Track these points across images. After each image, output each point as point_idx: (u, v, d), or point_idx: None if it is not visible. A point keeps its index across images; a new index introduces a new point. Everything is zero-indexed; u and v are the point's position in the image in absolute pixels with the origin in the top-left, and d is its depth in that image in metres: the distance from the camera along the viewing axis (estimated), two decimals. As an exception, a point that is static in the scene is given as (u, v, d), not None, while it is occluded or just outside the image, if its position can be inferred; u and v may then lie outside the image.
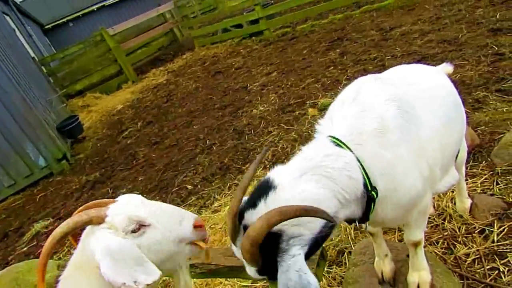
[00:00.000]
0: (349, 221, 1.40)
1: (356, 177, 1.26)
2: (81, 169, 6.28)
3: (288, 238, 1.15)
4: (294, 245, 1.14)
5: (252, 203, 1.21)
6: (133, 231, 1.18)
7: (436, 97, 1.57)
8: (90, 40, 11.34)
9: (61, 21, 20.53)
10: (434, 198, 2.61)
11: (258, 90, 6.16)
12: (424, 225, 1.61)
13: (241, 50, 9.03)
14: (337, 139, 1.32)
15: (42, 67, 10.17)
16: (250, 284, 2.46)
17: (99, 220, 1.18)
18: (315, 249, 1.25)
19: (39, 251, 4.22)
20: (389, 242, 2.13)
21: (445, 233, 2.36)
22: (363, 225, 1.42)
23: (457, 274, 2.05)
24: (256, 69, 7.24)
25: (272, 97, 5.61)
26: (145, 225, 1.20)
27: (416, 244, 1.64)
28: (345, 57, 5.92)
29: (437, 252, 2.27)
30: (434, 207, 2.54)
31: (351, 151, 1.28)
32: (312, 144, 1.39)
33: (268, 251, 1.14)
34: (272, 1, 10.21)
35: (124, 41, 11.43)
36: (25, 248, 4.42)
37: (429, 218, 2.49)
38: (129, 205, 1.24)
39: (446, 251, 2.28)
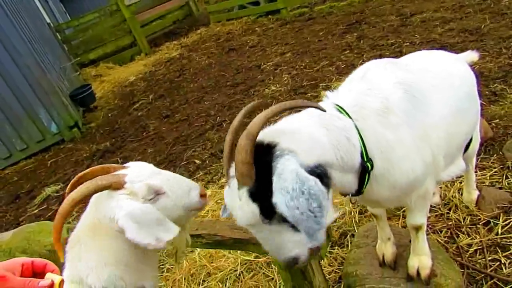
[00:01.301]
0: (344, 194, 1.43)
1: (355, 142, 1.28)
2: (91, 137, 6.37)
3: (283, 150, 1.13)
4: (290, 156, 1.12)
5: None
6: (150, 198, 1.24)
7: (449, 86, 1.55)
8: (106, 9, 11.25)
9: (77, -12, 20.32)
10: (441, 187, 2.62)
11: (271, 70, 6.11)
12: (426, 210, 1.62)
13: (257, 28, 8.91)
14: (340, 106, 1.35)
15: (57, 34, 10.16)
16: (253, 259, 2.52)
17: (118, 186, 1.21)
18: None
19: (49, 214, 4.35)
20: (393, 227, 2.16)
21: (450, 223, 2.38)
22: (354, 199, 1.43)
23: (458, 263, 2.08)
24: (271, 48, 7.16)
25: (285, 78, 5.57)
26: (160, 193, 1.26)
27: (417, 228, 1.66)
28: (362, 41, 5.81)
29: (440, 240, 2.29)
30: (440, 196, 2.55)
31: (351, 119, 1.31)
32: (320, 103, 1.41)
33: (262, 162, 1.11)
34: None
35: (140, 12, 11.33)
36: (36, 211, 4.56)
37: (435, 207, 2.51)
38: (144, 173, 1.27)
39: (449, 240, 2.30)
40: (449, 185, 2.65)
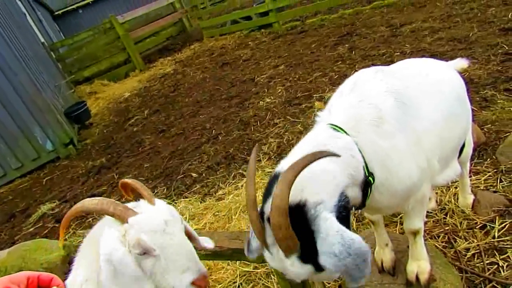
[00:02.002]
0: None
1: (358, 157, 1.30)
2: (87, 154, 6.35)
3: (314, 205, 1.13)
4: (323, 211, 1.12)
5: (266, 196, 1.22)
6: (139, 254, 1.15)
7: (439, 92, 1.59)
8: (100, 27, 11.38)
9: (71, 7, 20.54)
10: (437, 193, 2.64)
11: (265, 82, 6.17)
12: (423, 214, 1.64)
13: (250, 42, 9.03)
14: (335, 125, 1.36)
15: (51, 53, 10.23)
16: (251, 270, 2.50)
17: (120, 220, 1.17)
18: (340, 222, 1.22)
19: (45, 231, 4.30)
20: (391, 233, 2.16)
21: (447, 228, 2.39)
22: (356, 211, 1.45)
23: (456, 267, 2.08)
24: (264, 62, 7.24)
25: (279, 90, 5.62)
26: (150, 254, 1.16)
27: (415, 233, 1.67)
28: (353, 52, 5.91)
29: (438, 245, 2.29)
30: (436, 201, 2.56)
31: (349, 136, 1.33)
32: (312, 131, 1.43)
33: (299, 225, 1.10)
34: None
35: (133, 30, 11.45)
36: (31, 229, 4.50)
37: (431, 212, 2.52)
38: (153, 223, 1.17)
39: (446, 245, 2.30)
40: (444, 190, 2.67)
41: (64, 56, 10.93)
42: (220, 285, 2.46)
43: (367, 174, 1.31)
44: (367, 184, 1.32)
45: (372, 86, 1.46)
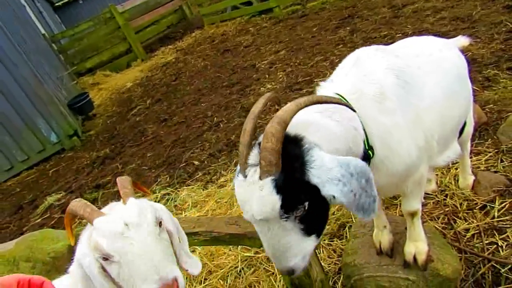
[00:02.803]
0: None
1: (360, 131, 1.29)
2: (91, 145, 6.40)
3: (311, 142, 1.12)
4: (316, 147, 1.10)
5: None
6: (102, 258, 1.14)
7: (439, 69, 1.57)
8: (100, 17, 11.29)
9: (71, -2, 20.39)
10: (437, 175, 2.63)
11: (266, 68, 6.13)
12: (421, 195, 1.63)
13: (250, 28, 8.93)
14: (340, 95, 1.34)
15: (53, 44, 10.21)
16: (253, 255, 2.53)
17: (90, 222, 1.17)
18: None
19: (52, 222, 4.38)
20: (389, 215, 2.17)
21: (446, 209, 2.39)
22: None
23: (455, 248, 2.09)
24: (265, 47, 7.18)
25: (280, 75, 5.58)
26: (110, 259, 1.13)
27: (412, 214, 1.68)
28: (355, 35, 5.82)
29: (437, 227, 2.30)
30: (437, 183, 2.56)
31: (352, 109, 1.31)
32: (318, 94, 1.42)
33: (289, 154, 1.08)
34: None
35: (133, 19, 11.36)
36: (39, 220, 4.58)
37: (431, 194, 2.52)
38: (111, 226, 1.13)
39: (446, 226, 2.31)
40: (445, 172, 2.66)
41: (65, 48, 10.90)
42: (222, 270, 2.50)
43: (366, 148, 1.30)
44: (365, 158, 1.31)
45: (373, 63, 1.44)
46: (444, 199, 2.47)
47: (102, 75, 10.51)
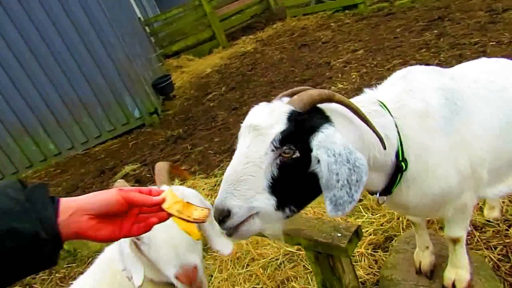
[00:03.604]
0: (371, 192, 1.44)
1: (392, 141, 1.28)
2: (168, 124, 6.95)
3: (331, 123, 1.13)
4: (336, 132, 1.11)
5: None
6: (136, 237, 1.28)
7: (501, 99, 1.48)
8: (190, 4, 11.98)
9: (167, -17, 21.80)
10: (503, 202, 2.44)
11: (340, 67, 6.04)
12: (465, 224, 1.57)
13: (332, 24, 8.79)
14: (382, 102, 1.35)
15: (146, 27, 11.12)
16: (295, 251, 2.63)
17: None
18: None
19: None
20: (436, 236, 2.10)
21: (507, 240, 2.22)
22: (382, 199, 1.42)
23: (508, 283, 1.96)
24: (343, 45, 7.04)
25: (354, 76, 5.48)
26: (141, 240, 1.28)
27: (454, 241, 1.62)
28: (441, 39, 5.45)
29: (493, 257, 2.16)
30: (501, 211, 2.38)
31: (392, 117, 1.31)
32: (359, 97, 1.44)
33: (314, 116, 1.12)
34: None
35: (220, 7, 11.85)
36: (116, 185, 5.17)
37: (492, 222, 2.36)
38: None
39: (502, 258, 2.16)
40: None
41: (157, 31, 11.80)
42: (264, 260, 2.64)
43: (400, 159, 1.29)
44: (397, 170, 1.30)
45: (423, 80, 1.43)
46: (507, 230, 2.30)
47: (185, 59, 11.19)
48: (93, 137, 7.15)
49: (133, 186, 4.94)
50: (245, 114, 4.93)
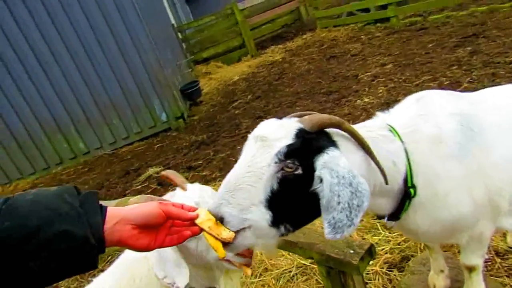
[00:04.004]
0: (379, 216, 1.41)
1: (400, 167, 1.27)
2: (193, 129, 7.08)
3: (338, 150, 1.14)
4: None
5: None
6: None
7: None
8: (222, 13, 12.22)
9: (202, -9, 22.35)
10: (529, 229, 2.34)
11: (368, 81, 5.98)
12: (481, 252, 1.51)
13: (362, 36, 8.73)
14: (392, 127, 1.34)
15: (179, 33, 11.43)
16: (308, 264, 2.61)
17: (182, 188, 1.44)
18: None
19: (148, 191, 5.03)
20: (454, 260, 2.04)
21: (531, 270, 2.13)
22: (390, 224, 1.39)
23: (529, 315, 1.87)
24: (372, 58, 6.97)
25: (381, 90, 5.41)
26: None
27: (470, 269, 1.57)
28: (474, 57, 5.31)
29: (514, 286, 2.07)
30: (527, 239, 2.28)
31: (402, 142, 1.30)
32: (370, 122, 1.44)
33: (321, 138, 1.13)
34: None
35: (251, 16, 12.02)
36: (139, 186, 5.31)
37: (516, 249, 2.26)
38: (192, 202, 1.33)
39: (525, 288, 2.06)
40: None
41: (189, 37, 12.10)
42: (277, 271, 2.64)
43: (409, 185, 1.28)
44: (405, 196, 1.29)
45: (438, 105, 1.40)
46: (531, 259, 2.20)
47: (214, 66, 11.40)
48: (121, 138, 7.38)
49: (155, 188, 5.07)
50: (267, 123, 4.79)
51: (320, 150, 1.10)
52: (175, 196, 1.46)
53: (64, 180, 6.65)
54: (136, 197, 1.33)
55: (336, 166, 1.06)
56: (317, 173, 1.07)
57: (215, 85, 9.71)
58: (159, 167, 5.67)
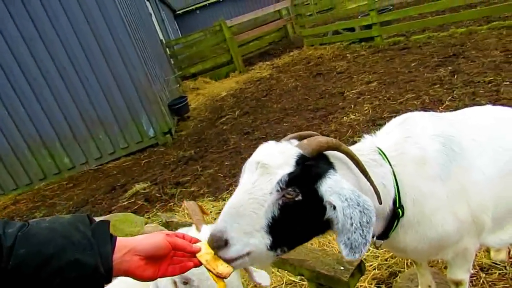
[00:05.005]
0: None
1: (389, 189, 1.32)
2: (180, 144, 7.07)
3: (336, 173, 1.18)
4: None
5: None
6: (182, 282, 1.34)
7: (500, 147, 1.49)
8: (210, 29, 12.39)
9: (190, 8, 22.66)
10: (511, 245, 2.40)
11: (353, 98, 6.11)
12: (466, 268, 1.56)
13: (347, 55, 8.95)
14: (381, 150, 1.39)
15: (167, 49, 11.50)
16: (297, 281, 2.61)
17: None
18: None
19: (135, 207, 4.97)
20: (440, 275, 2.08)
21: (514, 285, 2.18)
22: (379, 243, 1.44)
23: (513, 329, 1.91)
24: (358, 76, 7.15)
25: (366, 107, 5.53)
26: (187, 282, 1.33)
27: (456, 283, 1.61)
28: (455, 76, 5.50)
29: (498, 301, 2.12)
30: (508, 254, 2.34)
31: (390, 165, 1.35)
32: (359, 145, 1.48)
33: (315, 164, 1.16)
34: (392, 7, 9.79)
35: (239, 33, 12.21)
36: (125, 203, 5.24)
37: (499, 264, 2.32)
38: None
39: (508, 302, 2.12)
40: (521, 244, 2.42)
41: (177, 53, 12.19)
42: (266, 288, 2.62)
43: (397, 205, 1.33)
44: (394, 216, 1.34)
45: (421, 127, 1.46)
46: (514, 274, 2.25)
47: (202, 81, 11.48)
48: (107, 153, 7.30)
49: (142, 204, 5.01)
50: (256, 139, 5.01)
51: (320, 176, 1.14)
52: (188, 233, 1.47)
53: (48, 196, 6.50)
54: (151, 225, 1.37)
55: (342, 189, 1.11)
56: (326, 199, 1.12)
57: (202, 101, 9.76)
58: (146, 183, 5.62)
